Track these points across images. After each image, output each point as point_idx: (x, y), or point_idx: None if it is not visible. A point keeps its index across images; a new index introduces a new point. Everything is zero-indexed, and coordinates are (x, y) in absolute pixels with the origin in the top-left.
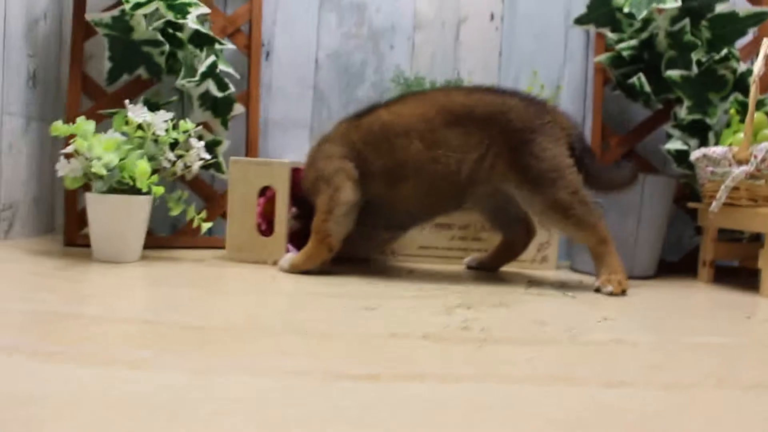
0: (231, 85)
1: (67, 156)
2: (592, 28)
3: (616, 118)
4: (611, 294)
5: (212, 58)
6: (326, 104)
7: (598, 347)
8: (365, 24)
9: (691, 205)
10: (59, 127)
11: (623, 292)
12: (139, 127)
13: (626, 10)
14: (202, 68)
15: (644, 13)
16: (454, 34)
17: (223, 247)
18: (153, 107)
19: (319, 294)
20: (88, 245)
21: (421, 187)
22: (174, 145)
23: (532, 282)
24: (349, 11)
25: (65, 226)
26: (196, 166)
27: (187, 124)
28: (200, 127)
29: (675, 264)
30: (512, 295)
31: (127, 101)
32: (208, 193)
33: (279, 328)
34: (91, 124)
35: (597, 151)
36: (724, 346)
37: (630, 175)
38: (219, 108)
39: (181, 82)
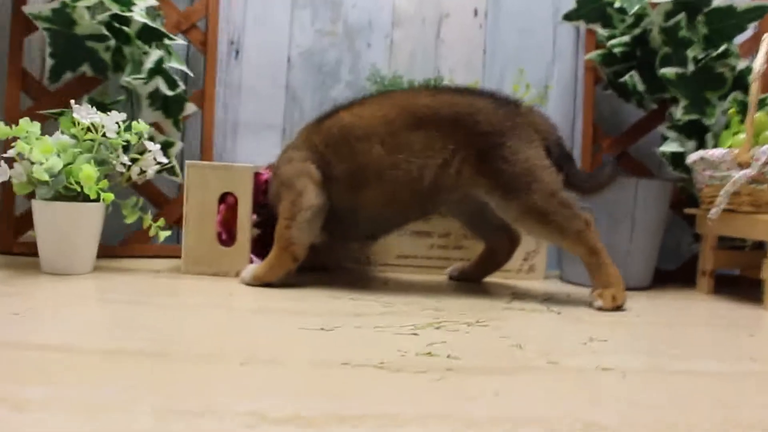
0: (180, 83)
1: (9, 160)
2: (581, 24)
3: (608, 119)
4: (600, 309)
5: (158, 53)
6: (299, 105)
7: (579, 377)
8: (340, 20)
9: (688, 211)
10: (0, 129)
11: (618, 308)
12: (90, 128)
13: (618, 4)
14: (148, 64)
15: (636, 8)
16: (435, 31)
17: (176, 256)
18: (100, 107)
19: (277, 311)
20: (25, 254)
21: (383, 194)
22: (127, 148)
23: (516, 295)
24: (324, 7)
25: (0, 233)
26: (152, 170)
27: (140, 125)
28: (151, 128)
29: (672, 273)
30: (491, 311)
31: (72, 101)
32: (159, 198)
33: (219, 354)
34: (35, 126)
35: (588, 153)
36: (723, 376)
37: (610, 172)
38: (170, 107)
39: (126, 79)
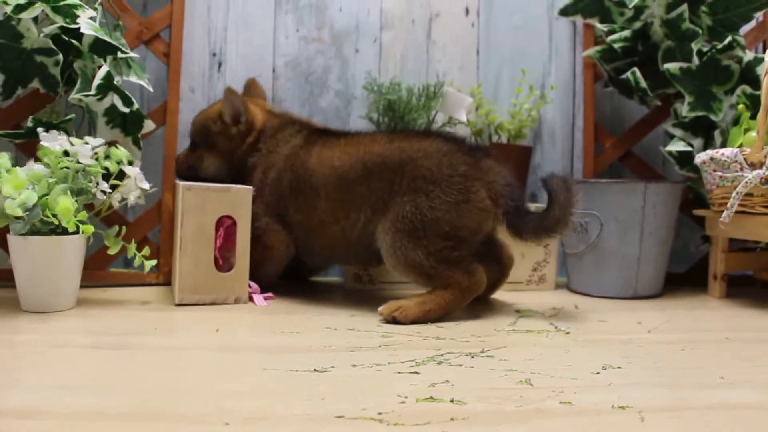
0: (134, 100)
1: None
2: (579, 19)
3: (610, 117)
4: (380, 314)
5: (105, 68)
6: None
7: (595, 421)
8: (326, 26)
9: (697, 212)
10: None
11: (394, 320)
12: (64, 156)
13: None
14: (96, 80)
15: (636, 0)
16: (425, 32)
17: (145, 283)
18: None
19: (268, 350)
20: None
21: (326, 242)
22: (107, 176)
23: (522, 312)
24: (308, 12)
25: None
26: (134, 197)
27: (119, 152)
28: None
29: (681, 276)
30: (496, 337)
31: (40, 129)
32: (118, 222)
33: (202, 413)
34: (3, 158)
35: (591, 154)
36: (762, 409)
37: (560, 217)
38: (128, 125)
39: (75, 96)
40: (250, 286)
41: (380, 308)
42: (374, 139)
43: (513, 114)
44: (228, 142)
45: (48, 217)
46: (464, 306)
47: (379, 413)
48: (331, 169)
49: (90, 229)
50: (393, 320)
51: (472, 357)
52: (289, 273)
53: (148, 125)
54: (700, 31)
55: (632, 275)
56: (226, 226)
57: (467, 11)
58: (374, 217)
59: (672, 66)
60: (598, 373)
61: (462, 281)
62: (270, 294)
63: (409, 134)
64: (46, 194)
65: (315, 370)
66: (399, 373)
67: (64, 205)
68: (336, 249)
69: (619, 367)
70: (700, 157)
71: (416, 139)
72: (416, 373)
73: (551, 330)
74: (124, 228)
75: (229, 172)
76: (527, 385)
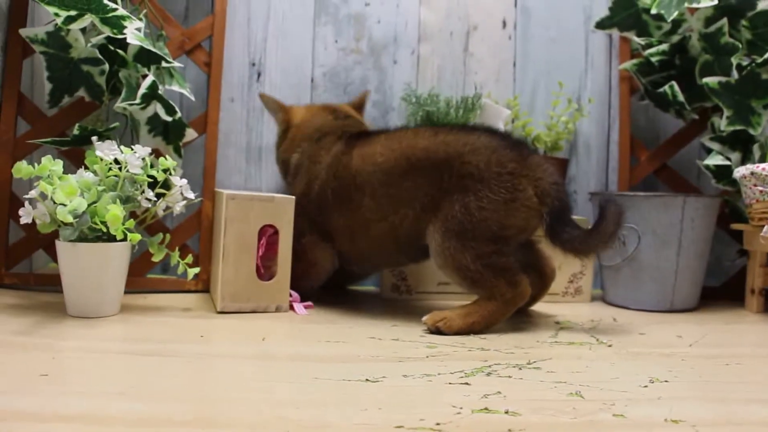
0: (177, 108)
1: (31, 201)
2: (615, 32)
3: (644, 130)
4: (424, 323)
5: (150, 78)
6: None
7: None
8: (365, 37)
9: (735, 226)
10: (21, 169)
11: (437, 331)
12: (113, 165)
13: (654, 11)
14: (141, 89)
15: (675, 14)
16: (463, 44)
17: (184, 290)
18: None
19: (316, 359)
20: (15, 287)
21: (369, 243)
22: (153, 184)
23: (561, 325)
24: (347, 23)
25: None
26: (179, 206)
27: (167, 162)
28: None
29: (716, 290)
30: (540, 348)
31: (94, 138)
32: (160, 229)
33: (258, 421)
34: (57, 165)
35: (626, 167)
36: None
37: (609, 235)
38: (170, 133)
39: (120, 105)
40: (290, 295)
41: (424, 318)
42: (417, 134)
43: (550, 126)
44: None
45: (97, 224)
46: (507, 317)
47: (437, 423)
48: (375, 166)
49: (137, 237)
50: (437, 330)
51: (520, 368)
52: (329, 282)
53: (190, 134)
54: (740, 46)
55: (669, 288)
56: (268, 235)
57: (504, 24)
58: (423, 213)
59: (711, 80)
60: (645, 386)
61: (506, 292)
62: (309, 303)
63: (453, 128)
64: (95, 202)
65: (367, 380)
66: (450, 384)
67: (114, 213)
68: (383, 247)
69: (665, 381)
70: (739, 172)
71: (462, 133)
72: (467, 384)
73: (593, 342)
74: (168, 236)
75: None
76: (578, 397)
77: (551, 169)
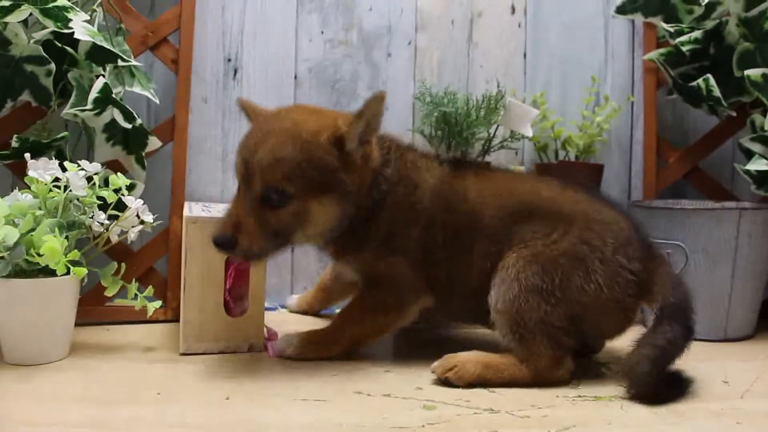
0: (136, 114)
1: None
2: (638, 18)
3: (671, 129)
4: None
5: (102, 80)
6: None
7: None
8: (355, 27)
9: None
10: None
11: (447, 381)
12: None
13: None
14: (92, 93)
15: None
16: (466, 33)
17: (152, 320)
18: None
19: (287, 428)
20: None
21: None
22: (104, 205)
23: (579, 369)
24: (334, 12)
25: None
26: (135, 231)
27: (118, 180)
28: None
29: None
30: (561, 408)
31: (27, 155)
32: (122, 251)
33: None
34: None
35: (652, 170)
36: None
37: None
38: (131, 142)
39: (69, 111)
40: (268, 330)
41: (433, 365)
42: (542, 180)
43: (582, 127)
44: (352, 176)
45: (33, 256)
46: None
47: None
48: (499, 209)
49: (82, 271)
50: (445, 381)
51: None
52: None
53: (153, 142)
54: None
55: (722, 315)
56: (237, 264)
57: (513, 9)
58: (506, 250)
59: (753, 72)
60: None
61: (544, 367)
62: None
63: (583, 188)
64: (33, 230)
65: None
66: None
67: (50, 245)
68: (479, 296)
69: None
70: None
71: (595, 197)
72: None
73: (620, 395)
74: (123, 265)
75: (351, 221)
76: None
77: (678, 280)
